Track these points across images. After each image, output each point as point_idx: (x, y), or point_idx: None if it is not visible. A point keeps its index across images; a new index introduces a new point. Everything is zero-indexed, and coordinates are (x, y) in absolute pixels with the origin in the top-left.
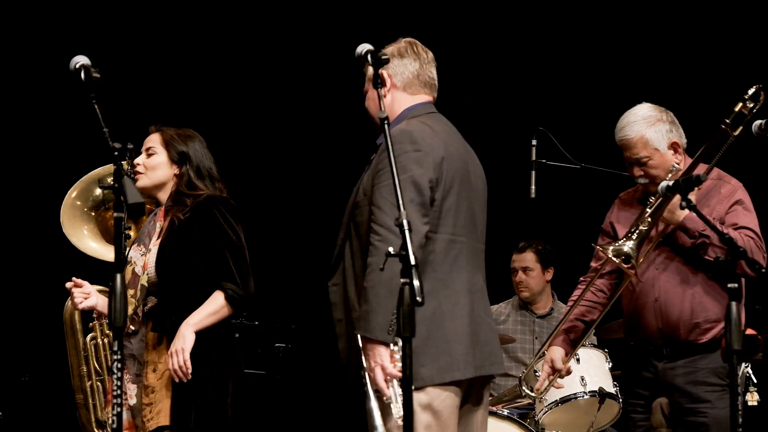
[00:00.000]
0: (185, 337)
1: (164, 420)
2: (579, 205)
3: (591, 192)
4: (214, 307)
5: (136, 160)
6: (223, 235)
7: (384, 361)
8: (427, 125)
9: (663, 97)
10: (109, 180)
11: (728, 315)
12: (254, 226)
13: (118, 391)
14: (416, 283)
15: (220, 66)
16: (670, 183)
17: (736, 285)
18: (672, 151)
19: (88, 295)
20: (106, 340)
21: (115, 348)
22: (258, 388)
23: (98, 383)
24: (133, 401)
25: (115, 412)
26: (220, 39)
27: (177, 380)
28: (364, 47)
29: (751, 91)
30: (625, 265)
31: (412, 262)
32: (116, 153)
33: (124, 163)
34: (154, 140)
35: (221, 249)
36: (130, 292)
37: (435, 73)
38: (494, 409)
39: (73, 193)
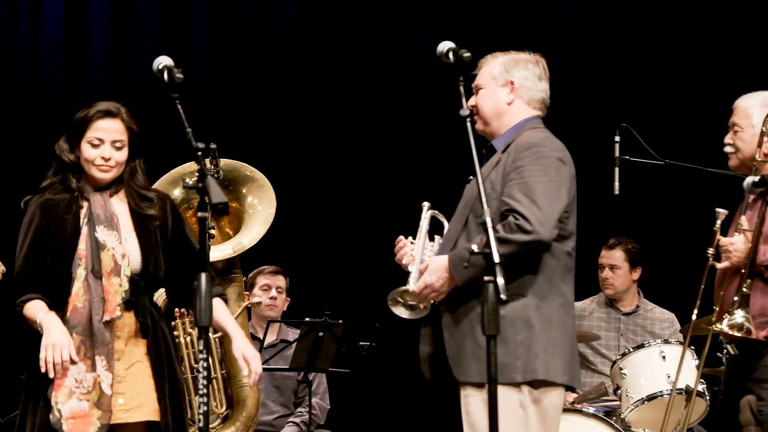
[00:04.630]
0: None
1: (150, 414)
2: (663, 202)
3: (675, 189)
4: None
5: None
6: (189, 231)
7: (437, 287)
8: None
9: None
10: (192, 180)
11: None
12: (342, 223)
13: (204, 390)
14: (500, 281)
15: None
16: (756, 178)
17: None
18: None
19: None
20: (188, 339)
21: (201, 347)
22: (342, 386)
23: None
24: (109, 391)
25: (201, 411)
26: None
27: (254, 384)
28: (445, 45)
29: None
30: (739, 333)
31: (496, 260)
32: (200, 152)
33: (207, 161)
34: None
35: (192, 248)
36: (117, 281)
37: None
38: (580, 406)
39: None
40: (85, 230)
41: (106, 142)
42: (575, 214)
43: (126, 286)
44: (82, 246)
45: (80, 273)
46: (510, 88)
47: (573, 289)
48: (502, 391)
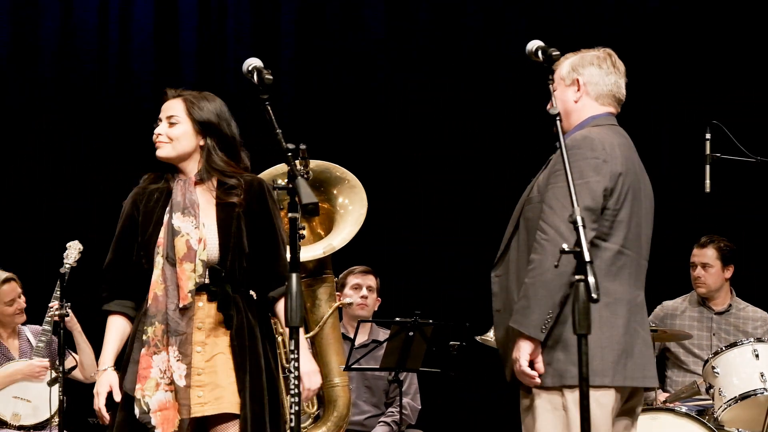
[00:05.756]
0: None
1: (230, 407)
2: (755, 200)
3: (767, 186)
4: None
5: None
6: (279, 224)
7: (522, 357)
8: (609, 135)
9: None
10: (282, 181)
11: None
12: (430, 223)
13: (296, 390)
14: (591, 279)
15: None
16: None
17: None
18: None
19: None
20: (279, 339)
21: (292, 347)
22: (432, 386)
23: None
24: (182, 382)
25: (293, 410)
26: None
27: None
28: (534, 44)
29: None
30: None
31: (587, 258)
32: (289, 153)
33: (297, 163)
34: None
35: (277, 240)
36: (189, 266)
37: (624, 89)
38: (672, 405)
39: None
40: (166, 218)
41: (163, 119)
42: (628, 211)
43: (200, 270)
44: (162, 234)
45: (159, 261)
46: (577, 87)
47: (631, 286)
48: (544, 395)
